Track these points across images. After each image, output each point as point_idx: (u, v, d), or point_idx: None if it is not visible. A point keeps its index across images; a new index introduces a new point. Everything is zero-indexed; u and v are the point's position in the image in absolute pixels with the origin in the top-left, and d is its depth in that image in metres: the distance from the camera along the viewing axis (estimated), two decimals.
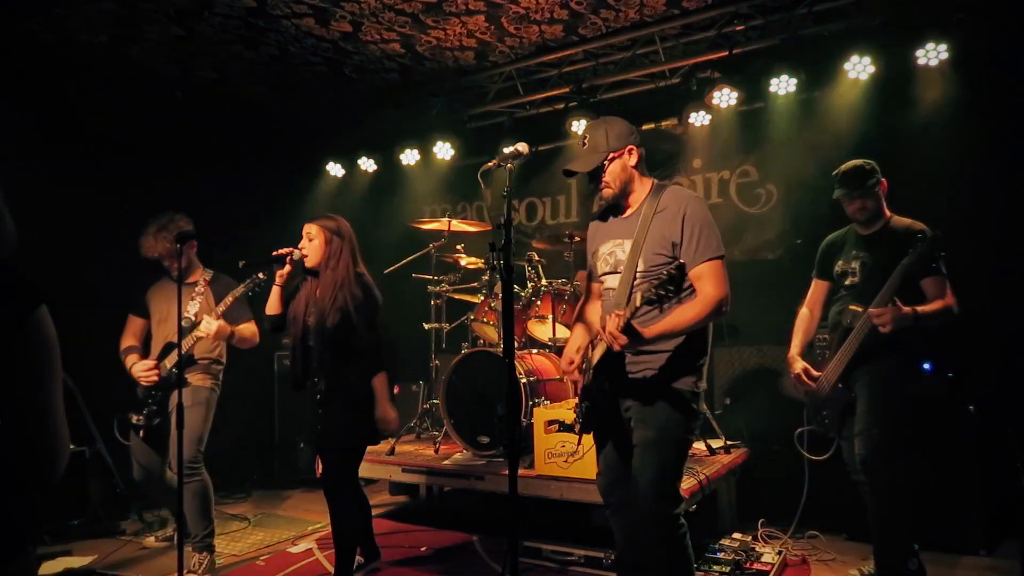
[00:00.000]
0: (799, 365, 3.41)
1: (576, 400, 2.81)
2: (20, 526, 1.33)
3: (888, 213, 3.32)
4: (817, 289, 3.57)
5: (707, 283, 2.45)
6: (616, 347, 2.34)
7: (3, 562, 1.29)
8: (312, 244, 3.28)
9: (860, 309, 3.14)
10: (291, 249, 3.29)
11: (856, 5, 4.47)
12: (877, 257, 3.22)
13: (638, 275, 2.53)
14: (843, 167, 3.35)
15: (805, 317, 3.56)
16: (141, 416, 3.77)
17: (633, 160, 2.62)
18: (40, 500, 1.42)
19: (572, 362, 2.72)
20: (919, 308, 3.02)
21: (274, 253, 3.31)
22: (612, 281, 2.63)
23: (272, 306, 3.38)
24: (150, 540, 4.18)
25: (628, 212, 2.67)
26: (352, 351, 3.23)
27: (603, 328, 2.42)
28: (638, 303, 2.27)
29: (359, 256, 3.38)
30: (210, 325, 3.63)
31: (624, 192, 2.64)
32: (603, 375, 2.61)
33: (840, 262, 3.38)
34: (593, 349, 2.70)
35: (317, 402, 3.28)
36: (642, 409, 2.54)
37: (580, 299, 3.01)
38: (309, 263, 3.28)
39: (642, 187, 2.65)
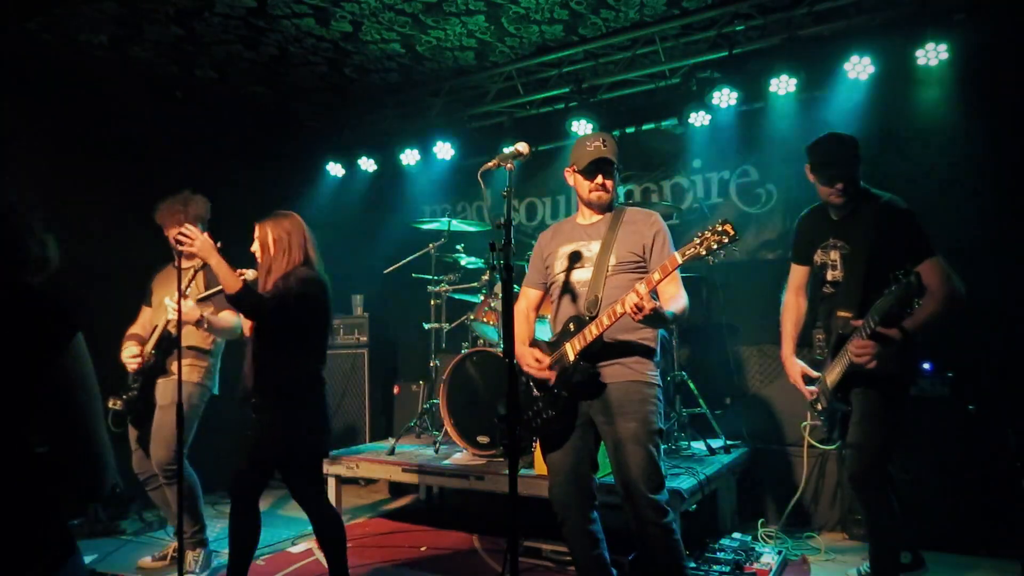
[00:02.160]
0: (796, 370, 3.24)
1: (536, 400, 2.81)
2: (69, 535, 1.46)
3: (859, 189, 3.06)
4: (797, 274, 3.35)
5: (675, 287, 2.75)
6: (647, 310, 2.40)
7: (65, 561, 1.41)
8: (260, 245, 3.19)
9: (849, 315, 2.95)
10: (243, 271, 3.20)
11: (856, 5, 4.47)
12: (855, 244, 3.01)
13: (610, 268, 2.75)
14: (820, 143, 3.08)
15: (791, 306, 3.35)
16: (119, 401, 3.71)
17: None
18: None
19: (540, 360, 2.74)
20: (908, 325, 2.77)
21: None
22: (581, 275, 2.80)
23: (246, 327, 3.32)
24: (146, 561, 3.95)
25: (588, 221, 2.92)
26: (289, 351, 3.09)
27: (624, 301, 2.48)
28: (702, 251, 2.38)
29: (310, 252, 3.26)
30: (170, 305, 3.50)
31: (612, 201, 2.90)
32: (577, 370, 2.67)
33: (819, 251, 3.17)
34: (558, 347, 2.75)
35: (252, 406, 3.11)
36: (620, 402, 2.65)
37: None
38: (261, 263, 3.20)
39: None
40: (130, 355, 3.73)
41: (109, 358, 3.88)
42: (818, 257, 3.19)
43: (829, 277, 3.13)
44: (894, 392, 2.97)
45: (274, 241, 3.18)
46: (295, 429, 3.04)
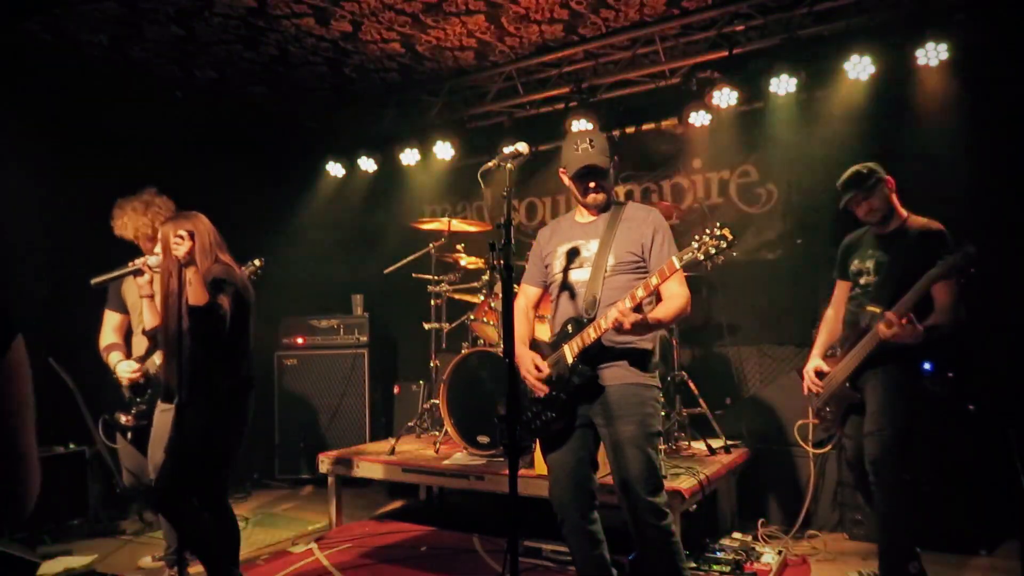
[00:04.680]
0: (812, 364, 3.43)
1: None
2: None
3: (903, 213, 3.32)
4: (840, 290, 3.57)
5: (676, 284, 2.69)
6: (627, 326, 2.45)
7: None
8: (163, 249, 3.07)
9: (878, 310, 3.12)
10: (144, 258, 3.14)
11: (856, 5, 4.47)
12: (892, 257, 3.22)
13: (609, 268, 2.73)
14: (844, 175, 3.38)
15: (830, 318, 3.57)
16: (130, 417, 3.64)
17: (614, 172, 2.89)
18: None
19: (540, 368, 2.73)
20: (930, 323, 3.00)
21: (129, 264, 3.20)
22: (580, 275, 2.79)
23: (150, 320, 3.26)
24: (146, 560, 3.96)
25: (587, 220, 2.89)
26: (222, 354, 3.06)
27: (615, 312, 2.49)
28: (699, 256, 2.38)
29: (219, 254, 3.17)
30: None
31: (609, 202, 2.86)
32: (575, 373, 2.68)
33: (856, 261, 3.39)
34: (556, 348, 2.75)
35: (176, 406, 3.04)
36: (618, 404, 2.65)
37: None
38: (171, 262, 3.07)
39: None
40: (129, 369, 3.60)
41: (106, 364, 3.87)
42: (854, 265, 3.40)
43: (862, 281, 3.35)
44: (916, 366, 3.17)
45: (188, 239, 3.02)
46: (220, 428, 3.04)
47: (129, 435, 3.69)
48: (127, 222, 3.70)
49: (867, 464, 3.14)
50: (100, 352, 3.80)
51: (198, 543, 3.10)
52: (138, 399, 3.66)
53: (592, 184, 2.79)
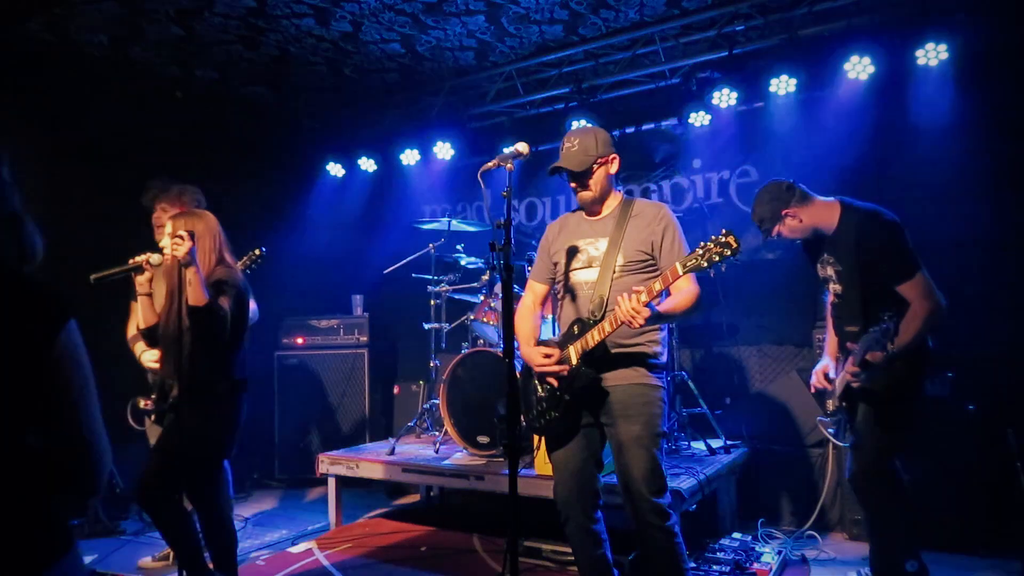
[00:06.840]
0: (821, 365, 3.28)
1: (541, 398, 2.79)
2: (66, 532, 1.39)
3: (836, 214, 3.07)
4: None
5: (687, 281, 2.63)
6: (637, 324, 2.45)
7: (58, 558, 1.34)
8: (179, 245, 2.98)
9: (855, 328, 3.03)
10: (147, 255, 3.16)
11: (856, 5, 4.47)
12: (843, 261, 3.09)
13: (618, 268, 2.71)
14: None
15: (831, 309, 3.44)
16: (149, 401, 3.59)
17: (614, 168, 2.83)
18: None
19: (550, 356, 2.70)
20: (892, 347, 2.76)
21: (130, 261, 3.18)
22: (587, 275, 2.77)
23: (146, 318, 3.23)
24: (146, 561, 3.96)
25: (598, 216, 2.86)
26: (222, 353, 3.06)
27: (619, 307, 2.46)
28: (703, 263, 2.36)
29: (224, 253, 3.19)
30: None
31: (601, 198, 2.82)
32: (579, 375, 2.66)
33: (819, 266, 3.26)
34: (565, 347, 2.73)
35: (171, 405, 3.02)
36: (624, 404, 2.64)
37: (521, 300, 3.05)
38: (173, 260, 3.03)
39: (614, 195, 2.87)
40: (152, 358, 3.57)
41: (123, 359, 3.85)
42: (820, 271, 3.27)
43: (831, 289, 3.23)
44: (893, 402, 2.99)
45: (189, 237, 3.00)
46: (215, 429, 3.04)
47: (153, 417, 3.68)
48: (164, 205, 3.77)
49: (848, 478, 3.10)
50: (128, 342, 3.85)
51: (179, 542, 3.05)
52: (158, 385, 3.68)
53: (573, 184, 2.80)
